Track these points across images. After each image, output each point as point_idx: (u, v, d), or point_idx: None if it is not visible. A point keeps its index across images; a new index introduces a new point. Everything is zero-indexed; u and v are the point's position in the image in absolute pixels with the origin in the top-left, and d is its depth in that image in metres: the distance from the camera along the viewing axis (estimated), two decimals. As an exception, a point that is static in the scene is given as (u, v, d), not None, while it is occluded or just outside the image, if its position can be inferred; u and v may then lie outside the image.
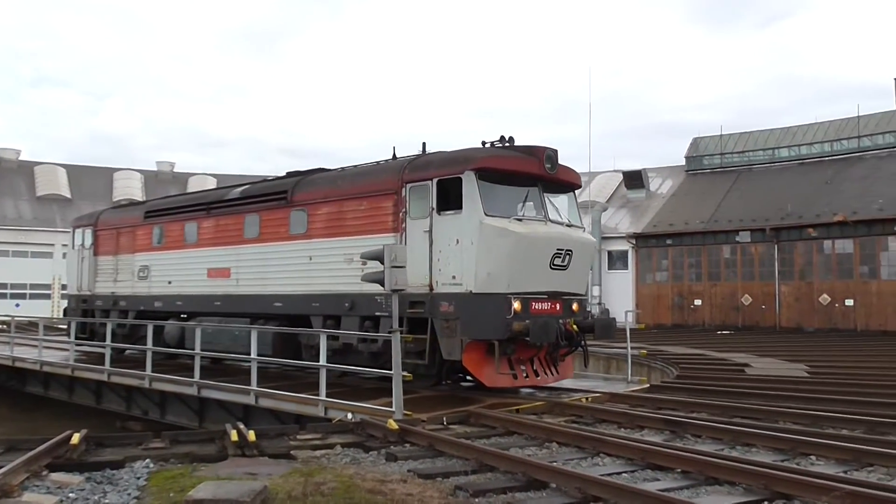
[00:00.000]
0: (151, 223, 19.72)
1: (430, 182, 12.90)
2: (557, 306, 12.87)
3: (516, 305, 12.08)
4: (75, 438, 8.47)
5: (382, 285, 10.79)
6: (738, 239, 37.33)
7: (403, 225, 13.20)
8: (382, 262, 10.70)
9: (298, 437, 9.64)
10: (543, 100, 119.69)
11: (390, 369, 14.25)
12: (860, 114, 39.91)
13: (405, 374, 10.89)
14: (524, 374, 12.76)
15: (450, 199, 12.66)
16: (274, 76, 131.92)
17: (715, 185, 42.28)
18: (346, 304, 14.00)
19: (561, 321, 12.50)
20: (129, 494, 6.93)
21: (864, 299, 33.32)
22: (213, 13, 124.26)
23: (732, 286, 37.58)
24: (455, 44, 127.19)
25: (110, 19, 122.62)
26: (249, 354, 13.38)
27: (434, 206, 12.77)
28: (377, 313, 13.54)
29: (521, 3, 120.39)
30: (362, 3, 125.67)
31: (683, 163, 46.22)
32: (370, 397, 12.20)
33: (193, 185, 54.21)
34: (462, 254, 12.26)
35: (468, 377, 13.65)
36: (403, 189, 13.28)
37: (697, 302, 38.83)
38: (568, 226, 13.48)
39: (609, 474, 7.56)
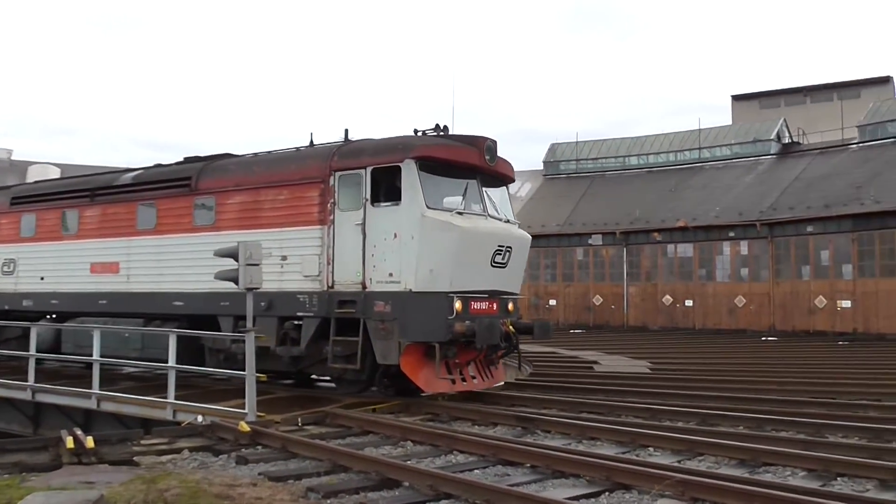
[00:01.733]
0: (20, 211, 17.44)
1: (363, 171, 11.92)
2: (494, 306, 12.26)
3: (458, 305, 11.39)
4: None
5: (236, 283, 10.45)
6: (590, 242, 39.00)
7: (332, 217, 12.16)
8: (236, 260, 10.36)
9: (143, 442, 9.21)
10: (413, 105, 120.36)
11: (316, 373, 13.28)
12: (700, 127, 42.82)
13: (259, 374, 10.62)
14: (461, 379, 12.03)
15: (386, 189, 11.79)
16: (129, 63, 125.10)
17: (570, 190, 44.02)
18: (263, 304, 12.61)
19: (500, 322, 11.96)
20: (-55, 509, 6.35)
21: (701, 300, 35.72)
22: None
23: (585, 287, 39.24)
24: (327, 45, 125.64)
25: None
26: (142, 359, 12.26)
27: (368, 196, 11.81)
28: (300, 313, 12.40)
29: (391, 8, 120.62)
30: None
31: (542, 167, 47.84)
32: (223, 399, 11.82)
33: (34, 175, 50.13)
34: (401, 249, 11.41)
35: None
36: (332, 177, 12.24)
37: (552, 302, 40.26)
38: (506, 221, 12.94)
39: (461, 471, 7.70)
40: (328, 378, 13.54)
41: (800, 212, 33.10)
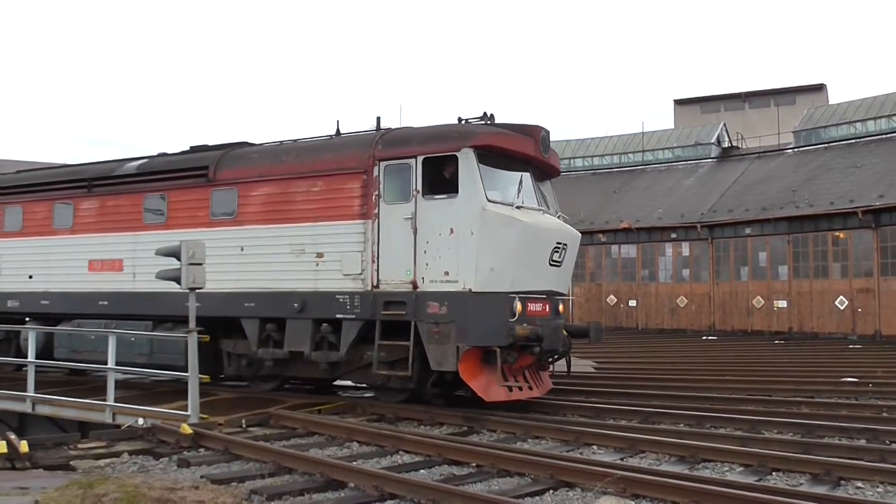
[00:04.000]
0: (2, 203, 16.01)
1: (412, 160, 11.01)
2: (548, 307, 11.50)
3: (518, 307, 10.64)
4: None
5: (178, 283, 10.26)
6: (536, 242, 39.39)
7: (376, 210, 11.21)
8: (179, 259, 10.17)
9: (80, 445, 8.98)
10: (355, 104, 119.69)
11: (355, 380, 12.31)
12: (644, 131, 43.63)
13: (202, 376, 10.43)
14: (518, 386, 11.10)
15: (441, 180, 10.90)
16: (65, 58, 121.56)
17: (517, 191, 44.39)
18: (296, 305, 11.77)
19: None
20: None
21: (644, 300, 36.41)
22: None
23: (531, 287, 39.60)
24: (265, 42, 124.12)
25: None
26: (149, 365, 11.59)
27: (419, 188, 10.92)
28: (339, 315, 11.43)
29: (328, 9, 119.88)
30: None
31: (489, 168, 48.08)
32: (166, 401, 11.59)
33: (-36, 170, 48.49)
34: (458, 246, 10.53)
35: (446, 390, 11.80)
36: (375, 167, 11.28)
37: (499, 302, 40.52)
38: (557, 216, 12.16)
39: (407, 471, 7.71)
40: (365, 385, 12.72)
41: (738, 214, 34.00)
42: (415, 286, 10.86)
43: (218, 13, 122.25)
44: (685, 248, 35.60)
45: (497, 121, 11.67)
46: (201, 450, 8.84)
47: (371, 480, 7.02)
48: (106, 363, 11.54)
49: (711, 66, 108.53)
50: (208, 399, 11.29)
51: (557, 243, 11.45)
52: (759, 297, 33.00)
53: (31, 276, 15.27)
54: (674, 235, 35.72)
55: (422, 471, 7.89)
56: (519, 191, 11.22)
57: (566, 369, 12.32)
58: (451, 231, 10.62)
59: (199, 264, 10.24)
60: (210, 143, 14.37)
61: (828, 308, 30.93)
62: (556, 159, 12.40)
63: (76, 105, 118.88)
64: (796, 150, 37.72)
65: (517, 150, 11.35)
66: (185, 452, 8.69)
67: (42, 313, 15.07)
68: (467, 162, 10.65)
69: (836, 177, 33.25)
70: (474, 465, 8.01)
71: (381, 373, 11.14)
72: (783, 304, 32.22)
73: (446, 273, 10.63)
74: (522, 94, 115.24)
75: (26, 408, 12.21)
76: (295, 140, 13.18)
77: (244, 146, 13.73)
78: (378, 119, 12.37)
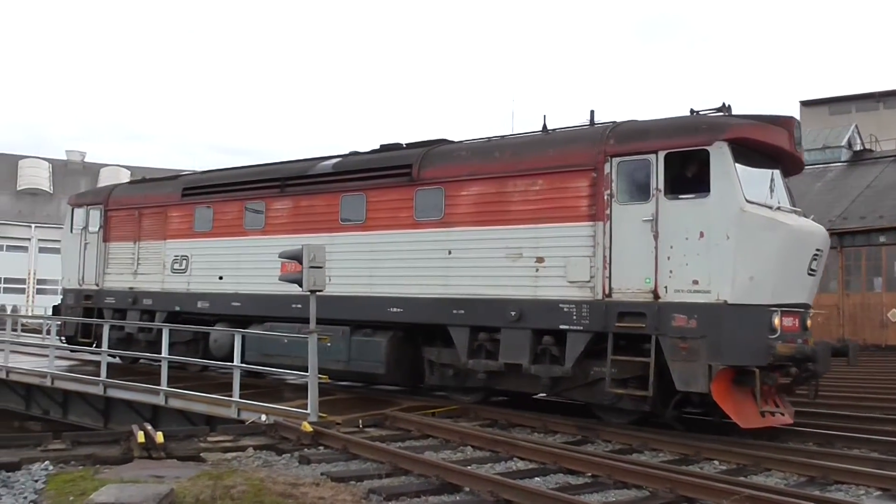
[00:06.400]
0: (193, 203, 15.95)
1: (652, 156, 10.06)
2: (797, 322, 10.33)
3: (777, 321, 9.68)
4: (-33, 439, 8.02)
5: (300, 286, 10.63)
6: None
7: (608, 211, 10.31)
8: (300, 262, 10.55)
9: (209, 438, 9.42)
10: (466, 113, 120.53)
11: (578, 398, 11.38)
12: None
13: (321, 377, 10.75)
14: (770, 412, 9.96)
15: (685, 178, 10.00)
16: (206, 71, 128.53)
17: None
18: (512, 313, 10.96)
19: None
20: (25, 498, 6.63)
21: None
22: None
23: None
24: (386, 55, 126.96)
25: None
26: (350, 372, 11.72)
27: (660, 187, 9.96)
28: (563, 326, 10.55)
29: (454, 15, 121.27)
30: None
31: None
32: (286, 399, 12.01)
33: (105, 177, 52.29)
34: (710, 252, 9.48)
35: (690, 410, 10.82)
36: (606, 164, 10.38)
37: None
38: (811, 218, 11.17)
39: (521, 478, 7.67)
40: (584, 402, 11.44)
41: (871, 221, 31.96)
42: (656, 296, 9.87)
43: (342, 29, 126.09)
44: (812, 257, 33.83)
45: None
46: (321, 447, 9.11)
47: (486, 486, 7.02)
48: (298, 368, 11.68)
49: (841, 64, 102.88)
50: (326, 398, 11.60)
51: (817, 250, 10.46)
52: (894, 309, 30.89)
53: (221, 278, 15.12)
54: (800, 243, 34.03)
55: (536, 478, 7.83)
56: (772, 189, 10.28)
57: (812, 394, 10.86)
58: (701, 235, 9.61)
59: (320, 267, 10.57)
60: (400, 142, 13.90)
61: (974, 323, 28.60)
62: (803, 154, 11.31)
63: (212, 116, 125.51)
64: (938, 152, 35.14)
65: (773, 144, 10.31)
66: (305, 450, 8.97)
67: (232, 314, 14.82)
68: (721, 157, 9.64)
69: (984, 181, 30.75)
70: (590, 475, 7.88)
71: (615, 391, 10.13)
72: (922, 318, 30.01)
73: (695, 282, 9.61)
74: (646, 101, 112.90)
75: (159, 401, 12.93)
76: (502, 136, 12.55)
77: (445, 143, 13.15)
78: (592, 112, 11.60)
